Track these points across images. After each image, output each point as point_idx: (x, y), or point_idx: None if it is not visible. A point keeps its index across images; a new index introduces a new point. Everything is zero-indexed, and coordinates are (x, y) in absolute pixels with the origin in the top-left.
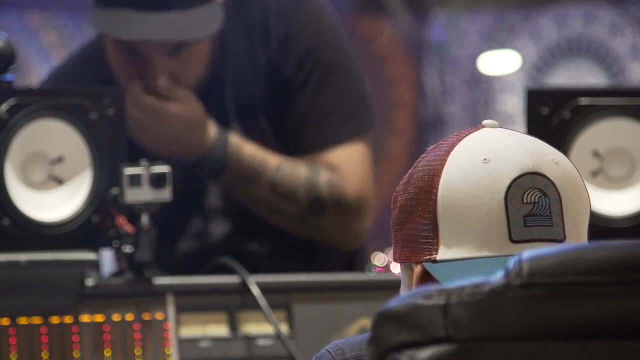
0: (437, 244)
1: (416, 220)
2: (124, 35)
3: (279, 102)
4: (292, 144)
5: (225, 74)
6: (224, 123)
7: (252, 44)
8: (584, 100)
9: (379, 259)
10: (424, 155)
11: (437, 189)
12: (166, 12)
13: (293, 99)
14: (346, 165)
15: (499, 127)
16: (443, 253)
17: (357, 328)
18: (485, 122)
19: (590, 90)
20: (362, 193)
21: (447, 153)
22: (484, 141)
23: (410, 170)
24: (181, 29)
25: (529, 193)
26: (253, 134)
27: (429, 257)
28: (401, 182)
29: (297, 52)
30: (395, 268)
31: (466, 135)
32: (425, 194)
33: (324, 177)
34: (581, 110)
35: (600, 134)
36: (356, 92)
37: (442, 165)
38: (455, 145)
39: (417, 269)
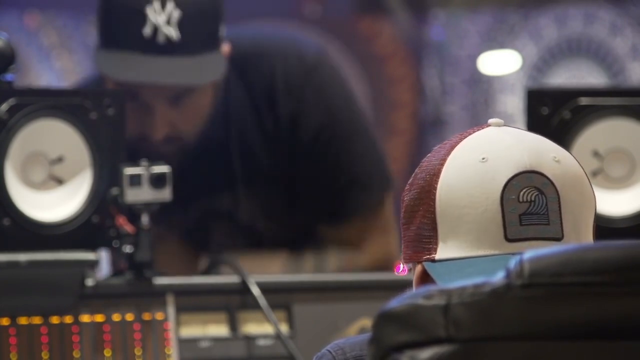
0: (436, 244)
1: (419, 220)
2: (127, 78)
3: (291, 173)
4: (309, 214)
5: (231, 137)
6: (230, 186)
7: (259, 113)
8: (584, 100)
9: None
10: (428, 155)
11: (435, 188)
12: (170, 57)
13: (307, 171)
14: (364, 239)
15: (505, 125)
16: (441, 252)
17: (357, 328)
18: (491, 120)
19: (590, 90)
20: (380, 261)
21: (448, 153)
22: (485, 140)
23: (415, 170)
24: (184, 74)
25: (525, 192)
26: (259, 200)
27: (428, 256)
28: (408, 182)
29: (311, 128)
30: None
31: (469, 134)
32: (425, 194)
33: (332, 266)
34: (581, 110)
35: (600, 134)
36: (373, 158)
37: (441, 165)
38: (456, 145)
39: (418, 268)
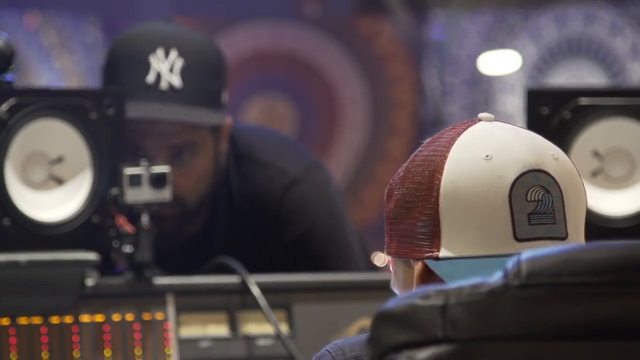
0: (438, 241)
1: (415, 216)
2: (129, 115)
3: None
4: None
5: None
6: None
7: (247, 209)
8: (584, 100)
9: (379, 258)
10: (420, 149)
11: (438, 185)
12: (172, 103)
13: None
14: None
15: (495, 120)
16: (445, 250)
17: (357, 328)
18: (481, 115)
19: (590, 90)
20: None
21: (447, 148)
22: (484, 137)
23: (406, 164)
24: (184, 114)
25: (533, 191)
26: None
27: (430, 254)
28: (396, 175)
29: (288, 239)
30: None
31: (464, 129)
32: (425, 190)
33: None
34: (581, 110)
35: (600, 134)
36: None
37: (442, 161)
38: (454, 140)
39: (418, 266)
